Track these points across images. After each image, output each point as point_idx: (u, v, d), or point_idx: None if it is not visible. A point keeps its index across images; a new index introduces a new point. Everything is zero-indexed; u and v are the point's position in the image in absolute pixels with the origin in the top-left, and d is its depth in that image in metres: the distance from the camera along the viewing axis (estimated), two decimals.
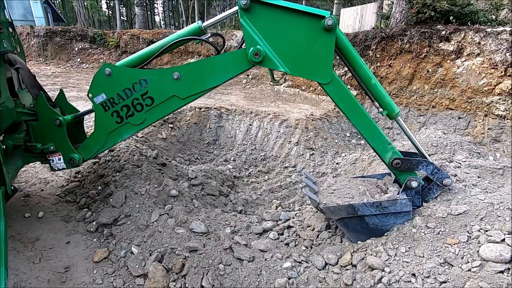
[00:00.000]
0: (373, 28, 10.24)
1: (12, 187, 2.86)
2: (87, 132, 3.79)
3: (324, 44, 2.49)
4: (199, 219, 3.28)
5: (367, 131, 2.79)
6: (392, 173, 3.09)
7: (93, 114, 3.16)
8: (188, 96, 2.87)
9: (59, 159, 3.16)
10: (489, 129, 6.99)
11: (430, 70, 7.99)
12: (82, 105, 7.73)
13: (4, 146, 2.81)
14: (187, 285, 2.60)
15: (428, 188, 2.95)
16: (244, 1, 2.45)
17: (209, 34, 2.90)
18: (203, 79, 2.80)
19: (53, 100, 3.35)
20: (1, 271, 2.16)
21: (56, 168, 3.22)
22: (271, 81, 2.87)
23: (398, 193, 2.85)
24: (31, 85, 3.10)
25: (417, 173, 2.90)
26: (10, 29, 3.06)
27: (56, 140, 3.11)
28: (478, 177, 3.58)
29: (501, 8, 8.73)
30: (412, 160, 2.82)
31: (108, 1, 46.01)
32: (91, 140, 3.17)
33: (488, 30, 7.11)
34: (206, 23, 2.84)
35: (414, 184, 2.82)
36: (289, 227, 3.57)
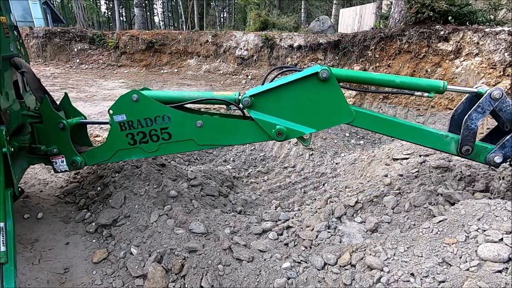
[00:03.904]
0: (372, 28, 10.25)
1: (19, 189, 2.90)
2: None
3: (330, 92, 2.62)
4: (198, 220, 3.29)
5: (416, 137, 2.70)
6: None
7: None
8: (205, 145, 3.01)
9: (62, 162, 3.22)
10: (488, 128, 7.00)
11: (429, 70, 8.01)
12: (82, 106, 7.73)
13: (11, 149, 2.84)
14: (186, 286, 2.61)
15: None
16: (245, 101, 2.71)
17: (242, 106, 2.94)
18: (224, 136, 2.94)
19: (58, 104, 3.38)
20: (11, 270, 2.20)
21: (59, 170, 3.27)
22: (304, 146, 2.93)
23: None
24: (36, 88, 3.15)
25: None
26: (15, 33, 3.11)
27: (59, 143, 3.16)
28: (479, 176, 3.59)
29: (499, 8, 8.75)
30: (472, 136, 2.42)
31: (107, 2, 45.99)
32: (99, 150, 3.24)
33: (487, 30, 7.13)
34: (241, 96, 2.88)
35: (498, 159, 2.42)
36: (288, 227, 3.58)
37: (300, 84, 2.61)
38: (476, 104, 2.45)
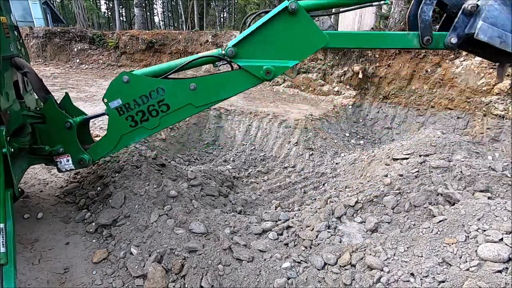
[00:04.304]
0: (372, 28, 10.25)
1: (19, 189, 2.89)
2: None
3: (302, 22, 2.77)
4: (198, 220, 3.29)
5: (384, 42, 2.95)
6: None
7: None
8: (202, 105, 3.09)
9: (67, 161, 3.22)
10: (488, 128, 7.00)
11: (429, 70, 8.00)
12: (81, 106, 7.71)
13: (12, 149, 2.83)
14: (186, 286, 2.61)
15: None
16: (230, 52, 2.82)
17: (225, 62, 3.07)
18: (217, 91, 3.05)
19: (59, 103, 3.38)
20: (11, 271, 2.20)
21: (64, 170, 3.26)
22: (291, 78, 3.24)
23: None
24: (39, 88, 3.15)
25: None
26: (16, 33, 3.10)
27: (65, 142, 3.17)
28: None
29: None
30: (429, 26, 2.67)
31: (107, 2, 45.97)
32: (102, 142, 3.25)
33: None
34: (224, 51, 2.99)
35: (453, 40, 2.63)
36: (288, 227, 3.58)
37: (274, 21, 2.76)
38: None
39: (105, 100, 3.03)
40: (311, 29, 2.79)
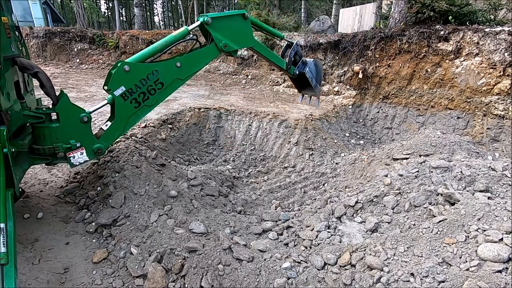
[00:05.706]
0: (372, 28, 10.24)
1: (20, 189, 2.88)
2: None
3: (246, 26, 4.06)
4: (198, 220, 3.29)
5: (274, 58, 4.52)
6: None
7: None
8: (186, 77, 3.84)
9: (81, 154, 3.28)
10: (488, 128, 7.00)
11: (429, 70, 8.00)
12: (82, 106, 7.72)
13: (12, 149, 2.82)
14: (186, 286, 2.61)
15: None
16: (208, 20, 3.70)
17: (192, 35, 3.94)
18: (195, 64, 3.90)
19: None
20: (11, 271, 2.20)
21: (78, 163, 3.30)
22: (234, 57, 4.91)
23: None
24: (51, 87, 3.16)
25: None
26: (17, 33, 3.11)
27: (80, 136, 3.25)
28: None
29: (499, 8, 8.75)
30: (290, 61, 4.64)
31: (107, 2, 45.95)
32: (112, 128, 3.45)
33: (487, 30, 7.13)
34: (190, 27, 3.82)
35: (297, 72, 4.73)
36: (288, 227, 3.58)
37: (234, 17, 3.93)
38: (292, 48, 4.65)
39: (110, 89, 3.26)
40: (250, 33, 4.13)
